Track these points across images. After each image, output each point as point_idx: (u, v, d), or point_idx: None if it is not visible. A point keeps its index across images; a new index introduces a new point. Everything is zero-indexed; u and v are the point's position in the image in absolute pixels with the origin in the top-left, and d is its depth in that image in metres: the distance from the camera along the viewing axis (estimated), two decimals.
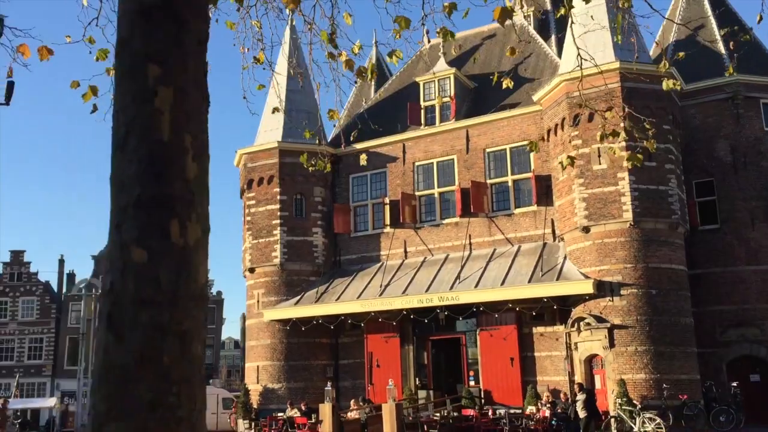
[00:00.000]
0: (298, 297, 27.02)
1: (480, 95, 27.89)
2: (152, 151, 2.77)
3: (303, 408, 24.03)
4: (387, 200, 27.51)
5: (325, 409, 21.06)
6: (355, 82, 31.89)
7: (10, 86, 18.43)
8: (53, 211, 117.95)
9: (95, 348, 2.79)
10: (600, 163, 21.94)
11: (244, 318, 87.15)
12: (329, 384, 23.22)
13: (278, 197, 27.90)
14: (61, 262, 59.23)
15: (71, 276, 59.84)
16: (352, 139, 25.48)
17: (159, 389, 2.55)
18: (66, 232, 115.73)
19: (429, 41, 32.05)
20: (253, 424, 25.67)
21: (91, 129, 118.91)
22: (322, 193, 28.53)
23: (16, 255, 56.13)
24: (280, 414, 24.15)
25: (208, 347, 47.89)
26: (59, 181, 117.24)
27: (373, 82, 37.80)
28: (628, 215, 21.28)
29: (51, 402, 41.94)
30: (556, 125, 23.40)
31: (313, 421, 22.03)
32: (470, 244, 25.59)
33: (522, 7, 30.30)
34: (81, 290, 53.20)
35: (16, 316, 54.83)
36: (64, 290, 58.49)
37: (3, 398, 26.29)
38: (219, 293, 59.26)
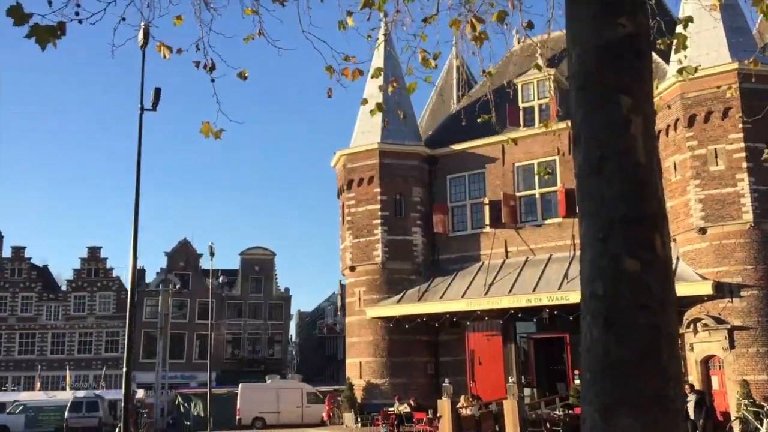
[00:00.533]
0: (400, 295, 27.59)
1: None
2: (631, 173, 3.19)
3: (412, 403, 24.59)
4: (487, 200, 27.88)
5: (444, 405, 21.56)
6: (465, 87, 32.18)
7: (158, 93, 19.29)
8: (125, 207, 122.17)
9: (587, 346, 3.21)
10: (717, 164, 21.98)
11: (299, 314, 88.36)
12: (447, 380, 23.73)
13: (379, 197, 28.50)
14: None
15: (141, 272, 61.58)
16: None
17: (659, 384, 2.95)
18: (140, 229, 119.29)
19: (519, 42, 32.28)
20: (358, 417, 26.34)
21: (166, 131, 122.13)
22: (421, 194, 29.05)
23: (93, 251, 57.95)
24: (390, 409, 24.74)
25: (277, 343, 49.01)
26: (129, 179, 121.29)
27: (454, 84, 38.21)
28: (748, 216, 21.31)
29: (139, 394, 43.39)
30: (668, 126, 23.49)
31: (430, 416, 22.55)
32: (574, 244, 25.79)
33: None
34: (158, 285, 54.75)
35: (94, 311, 56.64)
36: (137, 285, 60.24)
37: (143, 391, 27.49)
38: (287, 290, 60.30)
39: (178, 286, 53.92)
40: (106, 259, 57.99)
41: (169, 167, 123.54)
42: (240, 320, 57.94)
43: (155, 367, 54.13)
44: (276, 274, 59.86)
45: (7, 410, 39.14)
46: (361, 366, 27.81)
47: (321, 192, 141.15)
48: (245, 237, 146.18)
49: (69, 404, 34.57)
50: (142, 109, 18.99)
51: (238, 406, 35.48)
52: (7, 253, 58.11)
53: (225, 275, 61.92)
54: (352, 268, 28.73)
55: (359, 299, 28.35)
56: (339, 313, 68.03)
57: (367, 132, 29.76)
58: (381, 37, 28.76)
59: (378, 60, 30.57)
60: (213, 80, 7.63)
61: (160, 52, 6.98)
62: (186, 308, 57.41)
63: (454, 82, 38.21)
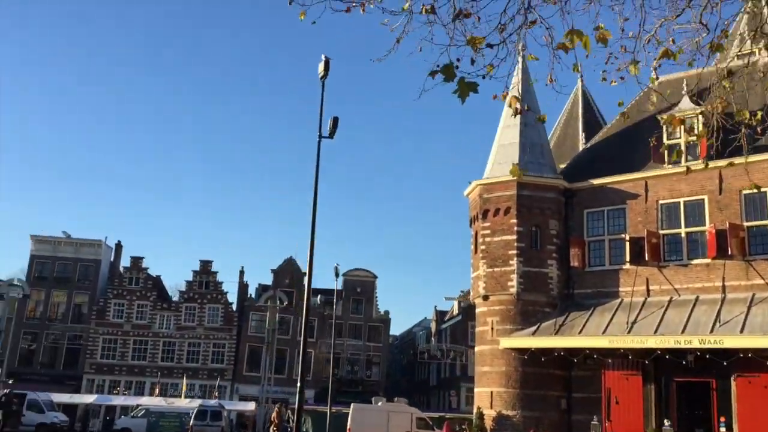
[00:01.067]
0: (535, 327, 27.51)
1: (728, 134, 27.48)
2: None
3: None
4: (627, 236, 27.55)
5: None
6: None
7: (335, 122, 20.15)
8: (235, 223, 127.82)
9: None
10: None
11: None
12: (595, 418, 23.43)
13: (515, 228, 28.63)
14: (241, 272, 63.17)
15: (245, 286, 63.58)
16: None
17: None
18: (244, 244, 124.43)
19: (657, 78, 31.91)
20: None
21: (292, 158, 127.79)
22: (557, 226, 29.00)
23: (205, 264, 60.24)
24: None
25: (375, 365, 49.45)
26: (244, 197, 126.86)
27: (580, 117, 38.09)
28: None
29: (251, 406, 44.70)
30: None
31: None
32: (724, 286, 25.16)
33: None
34: (267, 301, 56.44)
35: (203, 322, 58.76)
36: (240, 299, 62.14)
37: (279, 404, 28.53)
38: (386, 312, 60.87)
39: (285, 303, 55.38)
40: (216, 272, 60.18)
41: (275, 186, 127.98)
42: (340, 340, 58.76)
43: (258, 381, 55.78)
44: (377, 297, 60.60)
45: (131, 414, 41.05)
46: (492, 396, 27.79)
47: (418, 216, 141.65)
48: (347, 258, 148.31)
49: (195, 412, 35.93)
50: (320, 137, 19.90)
51: (348, 426, 35.87)
52: (126, 262, 61.26)
53: (326, 295, 63.24)
54: (485, 297, 28.86)
55: (492, 329, 28.41)
56: (433, 338, 68.05)
57: (503, 163, 30.00)
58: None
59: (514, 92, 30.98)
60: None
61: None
62: (289, 325, 58.71)
63: (580, 115, 38.13)
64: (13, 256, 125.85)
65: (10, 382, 33.22)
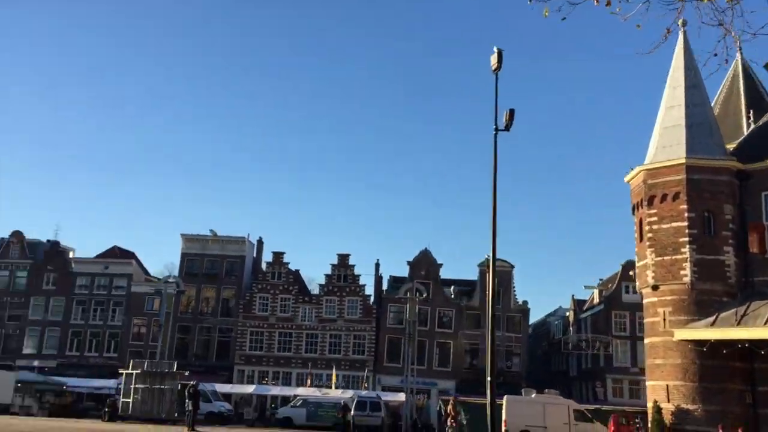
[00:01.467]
0: (713, 318, 26.20)
1: None
2: None
3: None
4: None
5: None
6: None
7: (512, 114, 19.91)
8: (372, 218, 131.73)
9: None
10: None
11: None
12: None
13: (685, 214, 27.35)
14: (377, 265, 64.24)
15: (379, 278, 64.63)
16: None
17: None
18: (376, 237, 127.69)
19: None
20: None
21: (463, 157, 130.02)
22: (732, 211, 27.44)
23: (343, 258, 61.79)
24: None
25: (515, 355, 48.77)
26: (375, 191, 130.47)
27: (742, 92, 35.79)
28: None
29: (402, 396, 45.48)
30: None
31: None
32: None
33: None
34: (406, 293, 57.14)
35: (343, 314, 60.36)
36: (374, 292, 63.26)
37: (453, 397, 29.00)
38: (525, 302, 60.07)
39: (425, 295, 55.85)
40: (353, 266, 61.57)
41: (408, 177, 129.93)
42: (478, 331, 58.59)
43: (398, 371, 56.66)
44: (514, 287, 59.88)
45: (290, 404, 42.85)
46: (668, 389, 26.76)
47: (552, 203, 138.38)
48: (479, 247, 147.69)
49: (354, 403, 36.99)
50: (497, 130, 19.72)
51: (504, 418, 35.61)
52: (267, 257, 63.94)
53: (463, 285, 63.21)
54: (655, 287, 27.78)
55: (664, 320, 27.33)
56: (571, 328, 66.48)
57: (668, 146, 28.74)
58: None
59: (678, 71, 29.51)
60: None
61: None
62: (426, 316, 59.17)
63: (742, 91, 35.80)
64: (159, 253, 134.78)
65: (187, 374, 35.52)
